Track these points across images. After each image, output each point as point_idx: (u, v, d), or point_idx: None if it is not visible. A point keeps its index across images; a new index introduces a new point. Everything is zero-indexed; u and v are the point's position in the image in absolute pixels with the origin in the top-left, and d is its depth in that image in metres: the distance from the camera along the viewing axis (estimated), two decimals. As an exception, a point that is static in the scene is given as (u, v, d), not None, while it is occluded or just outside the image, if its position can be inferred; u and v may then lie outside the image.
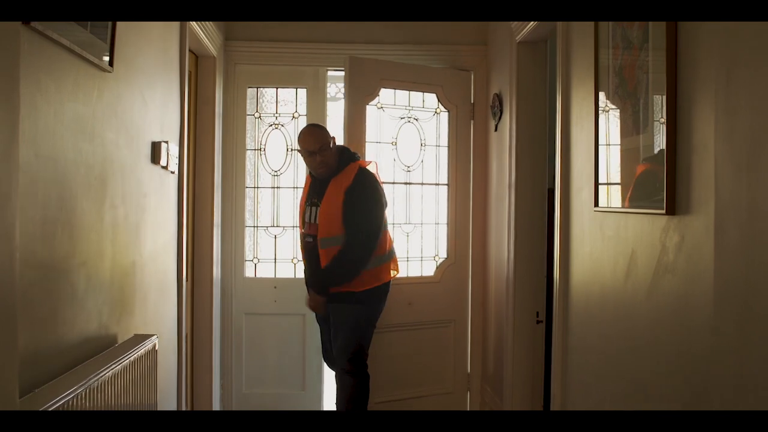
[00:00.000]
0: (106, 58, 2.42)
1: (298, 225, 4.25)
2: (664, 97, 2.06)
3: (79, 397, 1.92)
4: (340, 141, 4.25)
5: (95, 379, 2.05)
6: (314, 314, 4.17)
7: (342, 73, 4.49)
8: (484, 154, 4.72)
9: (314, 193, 3.94)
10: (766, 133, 1.33)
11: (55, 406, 1.76)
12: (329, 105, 5.00)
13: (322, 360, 4.37)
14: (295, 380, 4.78)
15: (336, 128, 4.70)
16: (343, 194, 3.79)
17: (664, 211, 2.06)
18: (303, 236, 4.00)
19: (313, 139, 3.80)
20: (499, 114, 4.37)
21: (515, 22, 3.93)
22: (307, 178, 4.10)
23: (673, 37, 2.04)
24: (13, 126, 1.39)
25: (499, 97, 4.38)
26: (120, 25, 2.48)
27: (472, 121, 4.77)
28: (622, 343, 2.46)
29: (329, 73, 4.82)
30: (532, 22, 3.67)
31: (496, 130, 4.46)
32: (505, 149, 4.16)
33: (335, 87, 6.71)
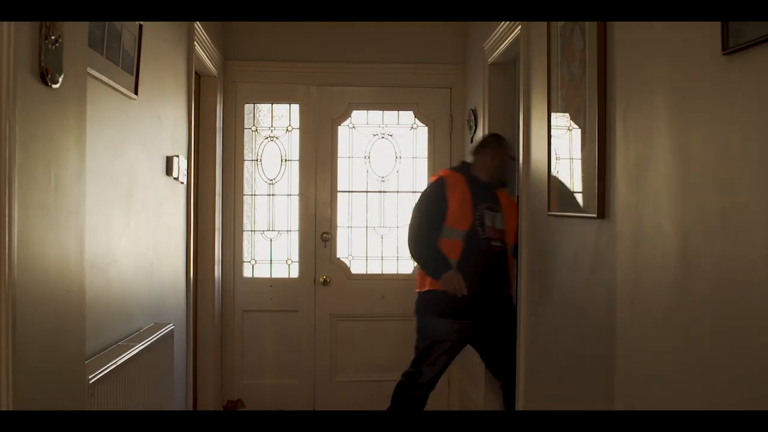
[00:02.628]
0: (132, 88, 2.87)
1: (457, 224, 3.94)
2: (596, 123, 2.52)
3: (118, 368, 2.36)
4: (311, 159, 5.04)
5: (129, 355, 2.50)
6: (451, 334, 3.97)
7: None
8: (461, 163, 5.18)
9: (485, 198, 3.98)
10: (645, 160, 1.79)
11: (104, 373, 2.20)
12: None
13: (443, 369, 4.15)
14: (289, 371, 5.21)
15: (311, 146, 5.17)
16: (516, 209, 3.83)
17: (596, 216, 2.51)
18: (486, 240, 3.92)
19: (510, 146, 4.09)
20: (474, 128, 4.83)
21: (487, 45, 4.38)
22: (458, 178, 4.03)
23: (603, 74, 2.50)
24: (82, 155, 1.84)
25: (474, 113, 4.84)
26: (143, 57, 2.92)
27: (450, 134, 5.23)
28: (568, 328, 2.91)
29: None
30: (501, 47, 4.12)
31: (471, 142, 4.91)
32: (479, 160, 4.61)
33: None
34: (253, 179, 5.23)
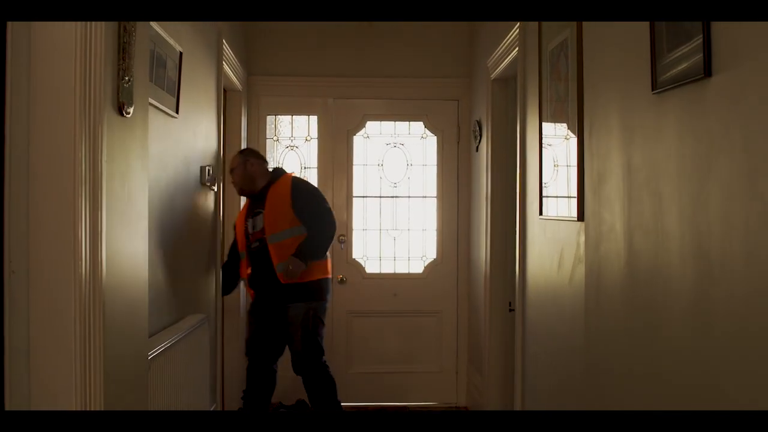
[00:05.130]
0: (174, 108, 3.30)
1: (239, 247, 4.67)
2: (576, 137, 2.91)
3: (166, 349, 2.78)
4: (329, 166, 5.52)
5: (175, 339, 2.92)
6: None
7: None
8: (467, 171, 5.58)
9: (254, 207, 4.58)
10: (604, 173, 2.18)
11: (156, 353, 2.62)
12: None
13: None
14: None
15: (333, 155, 5.59)
16: (288, 194, 4.47)
17: (576, 218, 2.90)
18: (248, 246, 4.58)
19: (230, 161, 4.66)
20: (479, 138, 5.23)
21: (490, 62, 4.77)
22: (245, 203, 4.78)
23: (581, 96, 2.89)
24: (145, 170, 2.26)
25: (479, 124, 5.24)
26: (182, 80, 3.34)
27: (458, 143, 5.64)
28: (554, 319, 3.30)
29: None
30: (502, 64, 4.52)
31: (477, 150, 5.31)
32: (483, 167, 5.01)
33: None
34: (275, 185, 5.64)
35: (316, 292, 4.52)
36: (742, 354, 1.49)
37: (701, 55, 1.56)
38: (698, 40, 1.58)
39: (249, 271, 4.64)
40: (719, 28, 1.55)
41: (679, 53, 1.69)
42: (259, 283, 4.59)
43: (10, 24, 1.74)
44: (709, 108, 1.57)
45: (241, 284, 4.95)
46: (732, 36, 1.50)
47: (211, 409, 4.12)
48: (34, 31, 1.77)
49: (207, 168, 4.00)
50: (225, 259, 4.76)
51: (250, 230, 4.56)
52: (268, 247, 4.44)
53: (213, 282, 4.31)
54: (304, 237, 4.43)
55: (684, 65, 1.66)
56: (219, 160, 4.44)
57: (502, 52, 4.47)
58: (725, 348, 1.55)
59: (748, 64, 1.45)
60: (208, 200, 4.16)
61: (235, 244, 4.74)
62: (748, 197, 1.42)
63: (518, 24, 3.93)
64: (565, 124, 3.11)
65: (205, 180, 3.98)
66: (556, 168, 3.46)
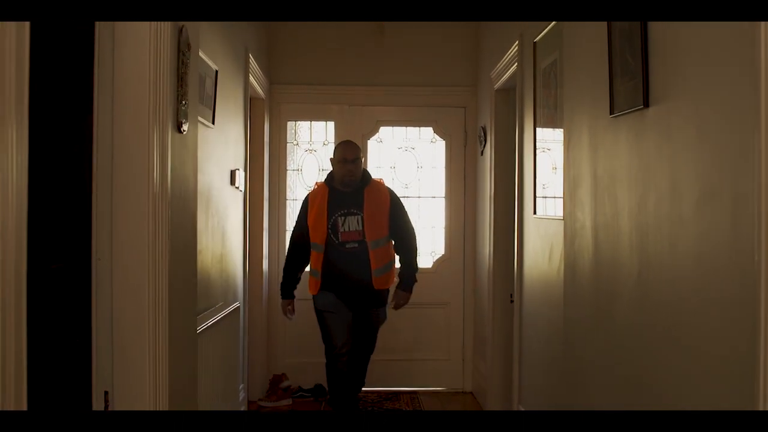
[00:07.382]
0: (211, 119, 3.75)
1: (314, 238, 4.55)
2: (562, 148, 3.34)
3: (207, 329, 3.24)
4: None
5: (213, 321, 3.37)
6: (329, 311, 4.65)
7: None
8: (473, 173, 6.01)
9: (344, 204, 4.53)
10: (577, 180, 2.62)
11: (200, 331, 3.07)
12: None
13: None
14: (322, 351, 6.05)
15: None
16: (388, 204, 4.61)
17: (562, 218, 3.33)
18: (340, 244, 4.51)
19: (351, 149, 4.62)
20: (483, 143, 5.66)
21: (493, 74, 5.20)
22: (320, 192, 4.65)
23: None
24: (195, 175, 2.71)
25: (483, 130, 5.66)
26: (217, 95, 3.80)
27: (465, 147, 6.07)
28: (545, 307, 3.72)
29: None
30: (504, 77, 4.94)
31: (482, 154, 5.74)
32: (487, 170, 5.44)
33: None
34: (295, 186, 6.09)
35: (388, 297, 4.80)
36: (668, 317, 1.94)
37: (641, 91, 1.99)
38: (639, 79, 2.01)
39: (321, 262, 4.55)
40: (655, 69, 1.98)
41: (628, 85, 2.12)
42: (343, 282, 4.57)
43: (96, 57, 2.19)
44: (647, 131, 2.00)
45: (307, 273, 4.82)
46: (664, 76, 1.93)
47: (240, 389, 4.57)
48: (117, 64, 2.22)
49: (236, 171, 4.45)
50: (287, 252, 4.79)
51: (342, 228, 4.52)
52: (369, 252, 4.52)
53: (241, 275, 4.77)
54: (391, 245, 4.68)
55: (631, 96, 2.09)
56: (246, 163, 4.89)
57: (503, 66, 4.90)
58: (656, 314, 2.00)
59: (673, 100, 1.88)
60: (237, 201, 4.62)
61: (304, 236, 4.64)
62: (671, 204, 1.85)
63: (516, 42, 4.36)
64: (560, 130, 3.54)
65: (234, 182, 4.44)
66: (554, 170, 3.88)
